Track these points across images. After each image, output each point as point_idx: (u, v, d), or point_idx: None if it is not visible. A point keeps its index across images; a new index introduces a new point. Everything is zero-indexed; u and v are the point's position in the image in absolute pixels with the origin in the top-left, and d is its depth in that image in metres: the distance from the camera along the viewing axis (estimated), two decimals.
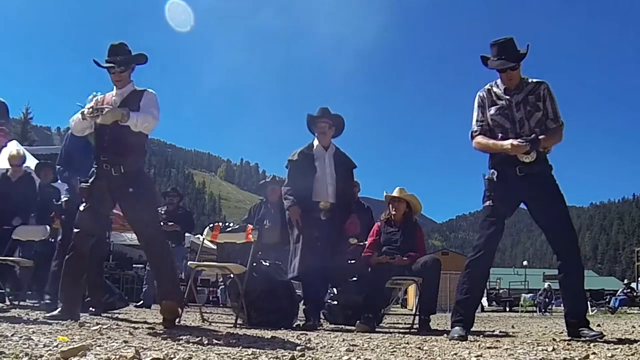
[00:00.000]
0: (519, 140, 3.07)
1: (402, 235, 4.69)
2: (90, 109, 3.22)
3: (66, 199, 4.79)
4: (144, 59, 3.43)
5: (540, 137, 3.10)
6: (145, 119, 3.23)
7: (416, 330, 4.37)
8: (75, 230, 3.43)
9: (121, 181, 3.26)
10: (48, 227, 5.49)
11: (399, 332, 4.12)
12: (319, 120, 4.51)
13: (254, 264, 4.40)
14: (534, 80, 3.28)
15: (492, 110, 3.25)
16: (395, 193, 4.88)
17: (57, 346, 1.93)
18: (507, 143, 3.10)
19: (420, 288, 4.54)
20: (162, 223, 7.42)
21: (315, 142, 4.55)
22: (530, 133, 3.14)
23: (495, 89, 3.31)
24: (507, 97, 3.24)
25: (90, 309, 4.49)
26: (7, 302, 5.37)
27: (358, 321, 4.14)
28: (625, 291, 18.20)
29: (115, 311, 5.13)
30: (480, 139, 3.26)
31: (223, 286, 10.11)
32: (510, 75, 3.21)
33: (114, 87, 3.42)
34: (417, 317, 4.68)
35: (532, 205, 3.25)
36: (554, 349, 2.35)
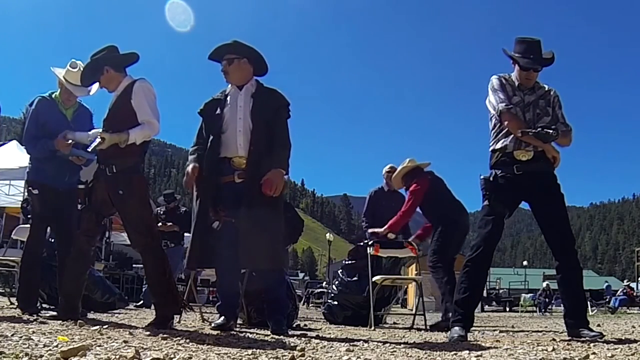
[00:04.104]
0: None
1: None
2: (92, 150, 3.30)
3: (35, 193, 4.02)
4: (104, 61, 3.30)
5: (551, 130, 3.04)
6: (144, 134, 3.21)
7: (416, 330, 4.37)
8: (79, 231, 3.43)
9: (113, 182, 3.24)
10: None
11: (399, 332, 4.12)
12: (221, 59, 3.40)
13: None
14: (545, 85, 3.28)
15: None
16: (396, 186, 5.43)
17: (57, 346, 1.93)
18: (549, 147, 3.10)
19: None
20: (161, 223, 7.49)
21: (229, 85, 3.50)
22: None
23: (508, 83, 3.24)
24: (520, 95, 3.21)
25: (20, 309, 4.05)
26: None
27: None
28: (624, 290, 18.24)
29: (115, 311, 5.14)
30: (518, 119, 3.12)
31: None
32: (532, 76, 3.20)
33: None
34: (417, 317, 4.69)
35: (532, 204, 3.25)
36: (554, 349, 2.35)
